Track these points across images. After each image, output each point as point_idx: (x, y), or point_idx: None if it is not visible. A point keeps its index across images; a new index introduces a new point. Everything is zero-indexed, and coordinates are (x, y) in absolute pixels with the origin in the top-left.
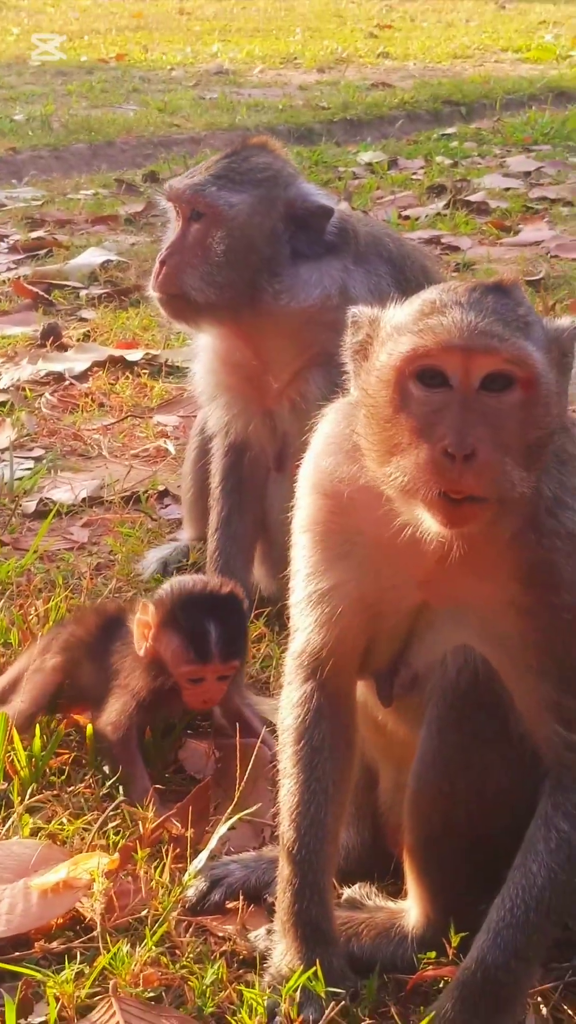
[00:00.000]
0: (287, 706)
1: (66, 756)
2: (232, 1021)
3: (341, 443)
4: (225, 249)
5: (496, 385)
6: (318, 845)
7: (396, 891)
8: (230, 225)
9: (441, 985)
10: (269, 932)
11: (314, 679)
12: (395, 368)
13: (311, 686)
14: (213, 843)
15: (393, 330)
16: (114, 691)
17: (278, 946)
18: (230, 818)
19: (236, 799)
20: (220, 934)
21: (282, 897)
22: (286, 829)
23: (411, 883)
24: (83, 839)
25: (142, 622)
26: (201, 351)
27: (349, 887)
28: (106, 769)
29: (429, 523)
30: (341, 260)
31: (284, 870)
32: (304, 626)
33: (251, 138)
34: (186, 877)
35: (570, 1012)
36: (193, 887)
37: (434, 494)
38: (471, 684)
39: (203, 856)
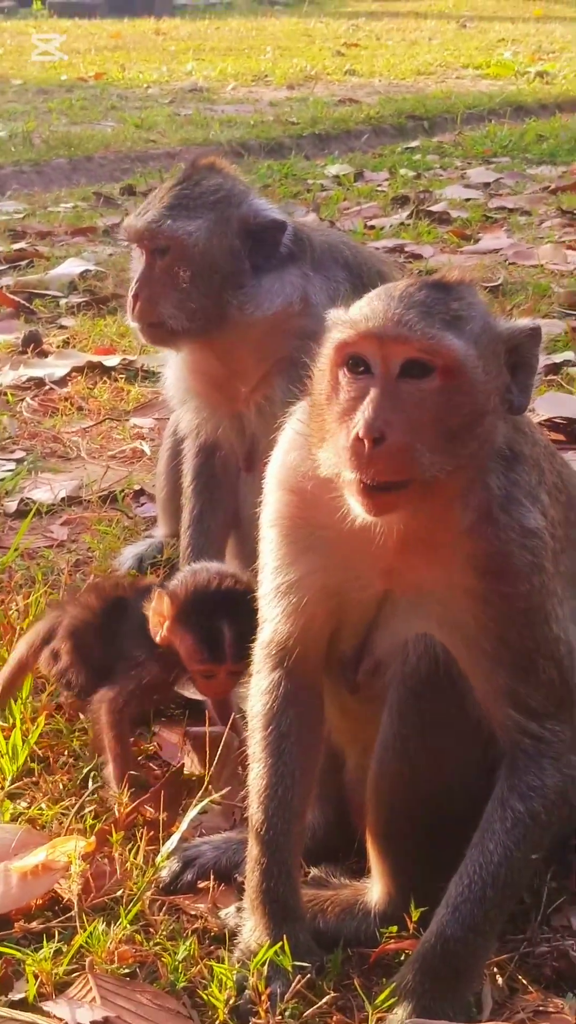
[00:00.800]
0: (256, 693)
1: (46, 744)
2: (203, 995)
3: (304, 440)
4: (192, 275)
5: (415, 372)
6: (285, 826)
7: (360, 870)
8: (192, 252)
9: (402, 958)
10: (239, 910)
11: (282, 668)
12: (328, 357)
13: (279, 674)
14: (184, 826)
15: (335, 325)
16: (122, 674)
17: (247, 923)
18: (201, 801)
19: (206, 783)
20: (192, 912)
21: (251, 876)
22: (255, 811)
23: (374, 861)
24: (61, 823)
25: (157, 611)
26: (172, 358)
27: (315, 866)
28: (86, 751)
29: (356, 508)
30: (300, 268)
31: (253, 850)
32: (272, 617)
33: (200, 160)
34: (159, 858)
35: (524, 982)
36: (166, 868)
37: (352, 480)
38: (431, 670)
39: (175, 838)
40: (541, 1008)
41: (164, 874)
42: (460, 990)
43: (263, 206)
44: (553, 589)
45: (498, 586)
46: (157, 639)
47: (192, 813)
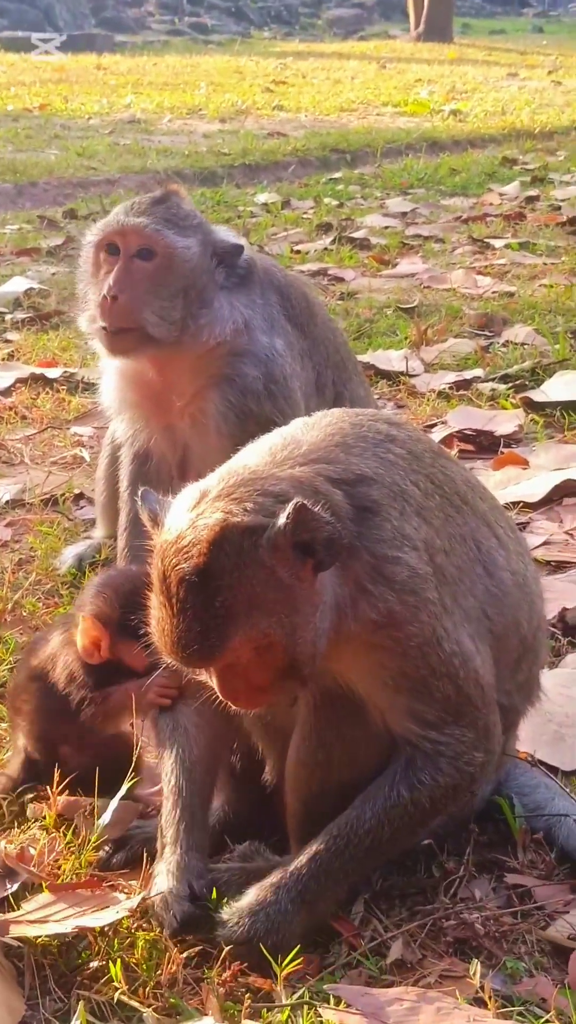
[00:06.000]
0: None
1: None
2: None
3: None
4: (178, 288)
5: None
6: (192, 788)
7: (283, 848)
8: (184, 266)
9: None
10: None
11: (199, 702)
12: None
13: (196, 705)
14: (110, 809)
15: None
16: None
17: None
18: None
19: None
20: (122, 889)
21: (165, 827)
22: (167, 782)
23: (293, 840)
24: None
25: (92, 637)
26: (108, 370)
27: (240, 844)
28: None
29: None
30: (248, 294)
31: (167, 811)
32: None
33: (169, 186)
34: (92, 838)
35: (433, 947)
36: (102, 850)
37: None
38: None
39: (105, 817)
40: (447, 972)
41: (102, 854)
42: (303, 917)
43: (225, 232)
44: (440, 609)
45: (390, 633)
46: (94, 660)
47: (113, 803)
